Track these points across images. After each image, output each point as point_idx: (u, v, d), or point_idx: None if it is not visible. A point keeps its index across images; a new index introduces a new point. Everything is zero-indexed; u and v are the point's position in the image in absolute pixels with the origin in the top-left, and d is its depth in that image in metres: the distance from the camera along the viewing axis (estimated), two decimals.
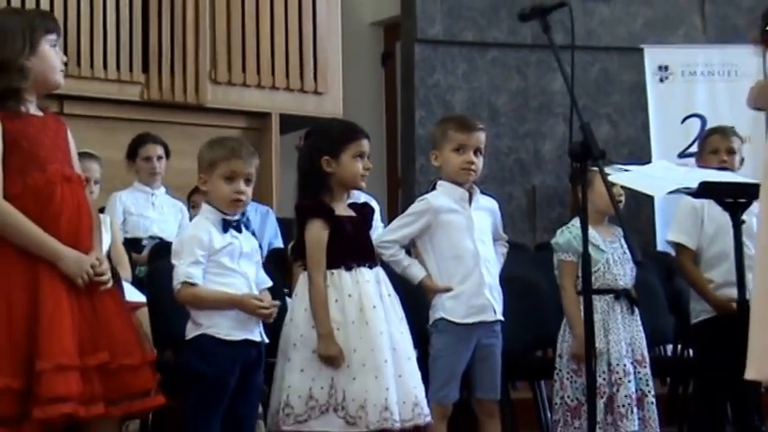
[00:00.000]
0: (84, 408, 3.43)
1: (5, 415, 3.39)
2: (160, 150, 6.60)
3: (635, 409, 4.72)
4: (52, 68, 3.71)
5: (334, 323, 4.09)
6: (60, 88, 3.85)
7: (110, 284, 3.62)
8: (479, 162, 4.67)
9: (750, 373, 3.97)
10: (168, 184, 6.57)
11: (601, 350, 4.71)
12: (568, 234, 4.83)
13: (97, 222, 3.81)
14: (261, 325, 4.07)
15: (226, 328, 3.97)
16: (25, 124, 3.64)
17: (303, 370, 4.10)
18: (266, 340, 4.08)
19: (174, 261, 4.01)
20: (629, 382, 4.75)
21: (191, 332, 4.01)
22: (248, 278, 4.07)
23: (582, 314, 4.10)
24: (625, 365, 4.77)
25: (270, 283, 4.20)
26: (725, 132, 5.42)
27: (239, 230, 4.10)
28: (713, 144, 5.37)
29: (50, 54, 3.70)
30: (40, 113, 3.74)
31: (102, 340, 3.54)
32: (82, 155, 4.20)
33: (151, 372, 3.67)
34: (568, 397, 4.76)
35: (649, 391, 4.83)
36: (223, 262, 4.01)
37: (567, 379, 4.78)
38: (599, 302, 4.75)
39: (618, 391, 4.74)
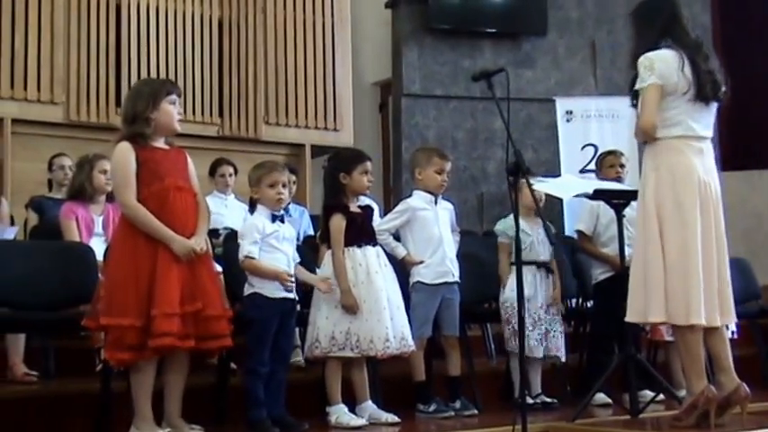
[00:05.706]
0: (181, 341, 3.47)
1: (132, 343, 3.45)
2: (231, 170, 6.56)
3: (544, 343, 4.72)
4: (169, 119, 3.72)
5: (349, 283, 4.09)
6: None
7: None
8: (448, 180, 4.68)
9: (629, 317, 3.98)
10: (236, 191, 6.55)
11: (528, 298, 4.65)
12: (504, 224, 4.84)
13: (203, 216, 3.75)
14: (294, 288, 4.03)
15: (270, 289, 3.95)
16: (150, 152, 3.66)
17: (327, 317, 4.11)
18: (297, 298, 4.04)
19: (239, 241, 4.00)
20: (542, 324, 4.76)
21: (247, 290, 4.00)
22: (288, 255, 4.05)
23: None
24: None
25: (299, 259, 4.16)
26: (617, 154, 5.42)
27: (283, 221, 4.08)
28: (610, 161, 5.36)
29: (168, 109, 3.70)
30: (166, 147, 3.75)
31: (198, 295, 3.56)
32: None
33: (227, 323, 3.68)
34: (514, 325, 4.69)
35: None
36: (272, 243, 3.99)
37: (512, 315, 4.70)
38: (528, 271, 4.70)
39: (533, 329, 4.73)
